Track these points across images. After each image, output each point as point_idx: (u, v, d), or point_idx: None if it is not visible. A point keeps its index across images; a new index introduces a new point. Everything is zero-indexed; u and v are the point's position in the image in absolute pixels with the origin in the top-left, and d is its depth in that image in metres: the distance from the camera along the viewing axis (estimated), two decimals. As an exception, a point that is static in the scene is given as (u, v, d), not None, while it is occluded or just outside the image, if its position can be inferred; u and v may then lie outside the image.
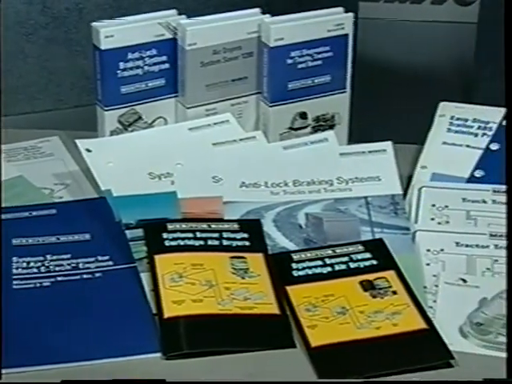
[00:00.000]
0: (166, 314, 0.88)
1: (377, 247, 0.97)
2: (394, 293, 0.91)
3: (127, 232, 0.97)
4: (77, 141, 1.09)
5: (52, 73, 2.17)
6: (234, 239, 0.97)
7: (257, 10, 1.12)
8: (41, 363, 0.83)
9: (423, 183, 1.06)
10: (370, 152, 1.08)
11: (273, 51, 1.09)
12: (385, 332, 0.87)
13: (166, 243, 0.96)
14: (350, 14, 1.11)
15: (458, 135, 1.12)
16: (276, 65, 1.10)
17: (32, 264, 0.94)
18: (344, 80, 1.13)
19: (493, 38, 2.19)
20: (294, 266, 0.95)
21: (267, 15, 1.11)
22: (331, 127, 1.15)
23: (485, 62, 2.21)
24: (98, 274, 0.93)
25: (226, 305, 0.89)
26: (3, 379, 0.83)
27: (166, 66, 1.11)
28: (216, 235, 0.97)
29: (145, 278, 0.92)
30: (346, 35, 1.11)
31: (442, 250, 0.97)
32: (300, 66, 1.11)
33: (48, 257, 0.95)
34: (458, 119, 1.14)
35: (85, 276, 0.93)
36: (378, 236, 0.99)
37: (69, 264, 0.94)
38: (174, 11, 1.11)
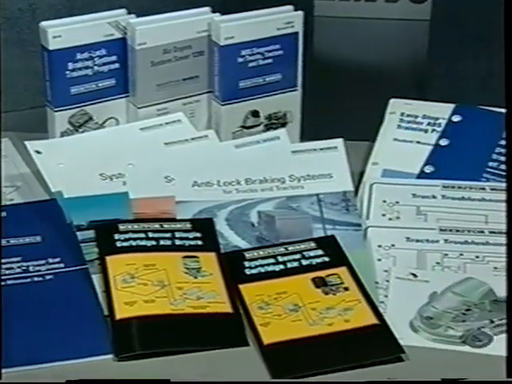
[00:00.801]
0: (118, 316, 0.87)
1: (329, 244, 0.97)
2: (346, 289, 0.92)
3: (78, 233, 0.96)
4: (26, 143, 1.07)
5: (5, 74, 2.14)
6: (187, 239, 0.97)
7: (207, 8, 1.12)
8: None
9: (374, 179, 1.07)
10: (321, 149, 1.09)
11: (223, 50, 1.09)
12: (337, 328, 0.87)
13: (118, 244, 0.95)
14: (300, 12, 1.11)
15: (408, 132, 1.14)
16: (227, 64, 1.10)
17: (-19, 268, 0.93)
18: (295, 78, 1.14)
19: (445, 35, 2.22)
20: (246, 264, 0.95)
21: (217, 14, 1.11)
22: (283, 125, 1.15)
23: (438, 59, 2.24)
24: (48, 277, 0.92)
25: (179, 305, 0.89)
26: (3, 379, 0.83)
27: (116, 65, 1.11)
28: (168, 235, 0.97)
29: (96, 279, 0.92)
30: (296, 33, 1.11)
31: (392, 245, 0.98)
32: (251, 64, 1.11)
33: (-2, 260, 0.94)
34: (408, 116, 1.15)
35: (36, 279, 0.92)
36: (329, 233, 0.99)
37: (19, 267, 0.93)
38: (123, 11, 1.11)
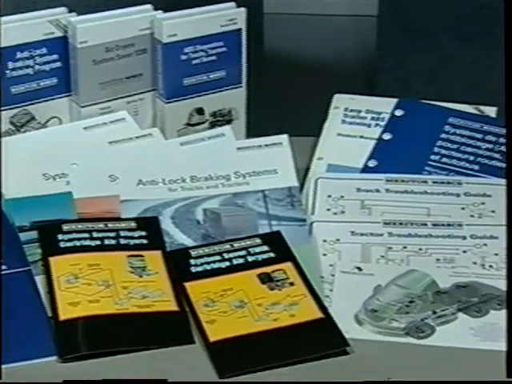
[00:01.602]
0: (62, 317, 0.86)
1: (274, 240, 0.98)
2: (292, 284, 0.92)
3: (21, 235, 0.95)
4: (-34, 143, 1.06)
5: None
6: (132, 238, 0.96)
7: (148, 6, 1.11)
8: None
9: (319, 175, 1.08)
10: (266, 145, 1.09)
11: (166, 47, 1.08)
12: (282, 323, 0.88)
13: (62, 244, 0.94)
14: (243, 9, 1.11)
15: (352, 126, 1.14)
16: (170, 61, 1.09)
17: None
18: (239, 75, 1.14)
19: (393, 30, 2.24)
20: (192, 262, 0.95)
21: (159, 11, 1.10)
22: (228, 122, 1.15)
23: (386, 54, 2.26)
24: (-9, 279, 0.92)
25: (124, 304, 0.88)
26: (3, 379, 0.82)
27: (58, 64, 1.09)
28: (113, 234, 0.96)
29: (40, 280, 0.91)
30: (240, 30, 1.11)
31: (338, 239, 0.99)
32: (194, 61, 1.11)
33: None
34: (351, 111, 1.16)
35: (-22, 281, 0.91)
36: (275, 229, 0.99)
37: (-39, 270, 0.92)
38: (63, 9, 1.10)
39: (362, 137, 1.13)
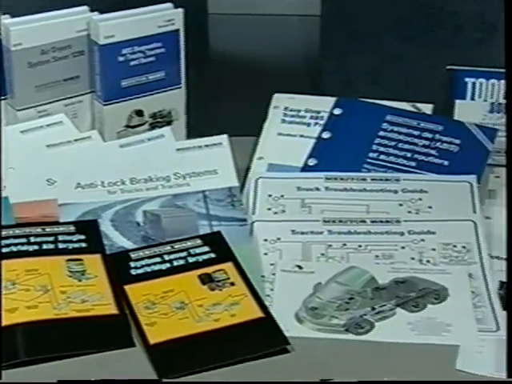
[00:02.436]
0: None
1: (215, 240, 0.98)
2: (232, 284, 0.92)
3: (-44, 241, 0.94)
4: None
5: None
6: (70, 242, 0.95)
7: (85, 7, 1.10)
8: None
9: (259, 174, 1.08)
10: (206, 146, 1.09)
11: (103, 49, 1.07)
12: (223, 323, 0.88)
13: (-2, 250, 0.93)
14: (180, 10, 1.11)
15: (291, 126, 1.15)
16: (107, 63, 1.08)
17: None
18: (178, 76, 1.14)
19: (335, 30, 2.26)
20: (132, 264, 0.94)
21: (96, 12, 1.09)
22: (169, 123, 1.15)
23: (329, 54, 2.28)
24: None
25: (62, 309, 0.87)
26: (3, 379, 0.81)
27: (-8, 67, 1.08)
28: (51, 239, 0.95)
29: (-24, 287, 0.90)
30: (177, 30, 1.11)
31: (278, 238, 1.00)
32: (132, 63, 1.10)
33: None
34: (291, 110, 1.16)
35: None
36: (216, 229, 0.99)
37: None
38: (-3, 11, 1.08)
39: (301, 136, 1.13)
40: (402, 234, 0.99)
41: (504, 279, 0.93)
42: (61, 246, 0.94)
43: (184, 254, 0.95)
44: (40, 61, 1.07)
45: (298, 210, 1.03)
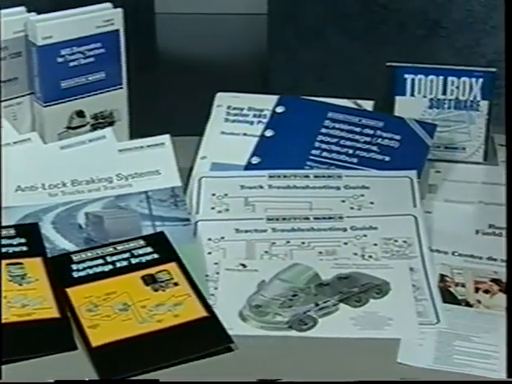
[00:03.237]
0: None
1: (158, 241, 0.97)
2: (176, 284, 0.92)
3: None
4: None
5: None
6: (11, 245, 0.94)
7: (22, 8, 1.09)
8: None
9: (203, 174, 1.08)
10: (148, 146, 1.08)
11: (41, 50, 1.06)
12: (167, 324, 0.87)
13: None
14: (119, 10, 1.10)
15: (235, 124, 1.15)
16: (46, 64, 1.07)
17: None
18: (119, 76, 1.13)
19: (282, 28, 2.27)
20: (74, 267, 0.93)
21: (33, 13, 1.08)
22: (111, 124, 1.14)
23: (277, 52, 2.29)
24: None
25: (3, 314, 0.86)
26: (3, 379, 0.80)
27: None
28: (-9, 243, 0.94)
29: None
30: (117, 31, 1.10)
31: (222, 237, 1.00)
32: (72, 63, 1.09)
33: None
34: (234, 109, 1.16)
35: None
36: (159, 229, 0.99)
37: None
38: None
39: (244, 134, 1.13)
40: (345, 230, 1.00)
41: (444, 272, 0.94)
42: (1, 250, 0.93)
43: (127, 255, 0.95)
44: (-24, 63, 1.06)
45: (241, 209, 1.03)
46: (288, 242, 0.99)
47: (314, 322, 0.89)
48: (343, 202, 1.03)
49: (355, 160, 1.08)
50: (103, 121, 1.13)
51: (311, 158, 1.09)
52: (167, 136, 1.09)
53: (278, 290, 0.93)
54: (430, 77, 1.12)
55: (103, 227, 0.99)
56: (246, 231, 1.00)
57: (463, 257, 0.96)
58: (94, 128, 1.13)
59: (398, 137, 1.10)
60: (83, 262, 0.94)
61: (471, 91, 1.11)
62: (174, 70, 2.32)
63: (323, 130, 1.11)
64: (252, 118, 1.15)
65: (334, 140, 1.10)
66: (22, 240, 0.94)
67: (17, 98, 1.09)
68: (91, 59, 1.09)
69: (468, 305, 0.90)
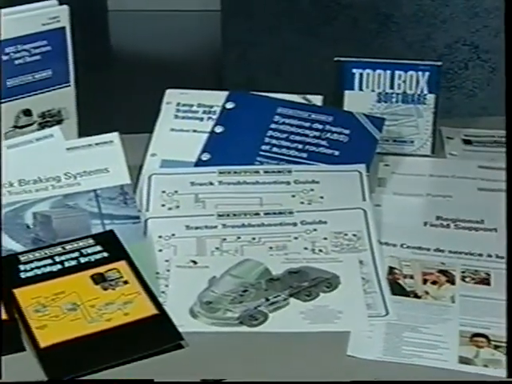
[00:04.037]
0: None
1: (107, 239, 0.96)
2: (126, 283, 0.91)
3: None
4: None
5: None
6: (-44, 247, 0.93)
7: (-35, 6, 1.07)
8: None
9: (153, 171, 1.08)
10: (97, 144, 1.07)
11: (-15, 48, 1.05)
12: (116, 323, 0.87)
13: None
14: (65, 7, 1.09)
15: (184, 121, 1.14)
16: (-9, 62, 1.06)
17: None
18: (67, 74, 1.11)
19: (236, 25, 2.27)
20: (21, 267, 0.92)
21: (-24, 11, 1.07)
22: (59, 122, 1.13)
23: (230, 48, 2.28)
24: None
25: None
26: (3, 379, 0.79)
27: None
28: None
29: None
30: (63, 28, 1.09)
31: (173, 234, 0.99)
32: (17, 62, 1.07)
33: None
34: (183, 105, 1.16)
35: None
36: (108, 228, 0.98)
37: None
38: None
39: (194, 131, 1.13)
40: (295, 224, 1.00)
41: (393, 265, 0.95)
42: None
43: (76, 254, 0.94)
44: None
45: (191, 205, 1.03)
46: (239, 237, 0.99)
47: (265, 317, 0.89)
48: (293, 196, 1.03)
49: (305, 155, 1.09)
50: (51, 119, 1.12)
51: (261, 153, 1.09)
52: (116, 134, 1.08)
53: (228, 286, 0.93)
54: (378, 71, 1.12)
55: (51, 227, 0.98)
56: (197, 228, 1.00)
57: (411, 249, 0.97)
58: (42, 127, 1.11)
59: (346, 131, 1.10)
60: (31, 262, 0.92)
61: (418, 85, 1.12)
62: (127, 68, 2.30)
63: (273, 126, 1.11)
64: (202, 114, 1.14)
65: (284, 135, 1.11)
66: (-32, 241, 0.94)
67: (-39, 97, 1.08)
68: (37, 57, 1.08)
69: (416, 296, 0.91)
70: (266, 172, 1.06)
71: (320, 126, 1.11)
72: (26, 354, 0.84)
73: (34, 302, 0.88)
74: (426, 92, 1.12)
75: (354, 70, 1.13)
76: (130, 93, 2.10)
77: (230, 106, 1.14)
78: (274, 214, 1.01)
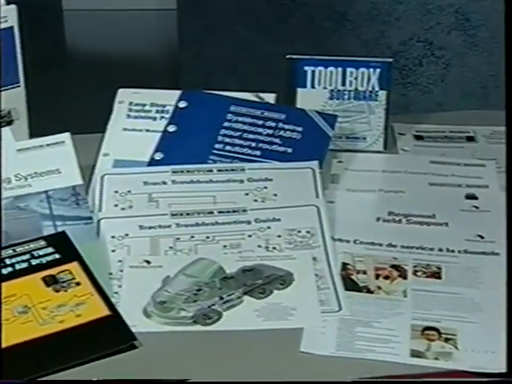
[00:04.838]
0: None
1: (59, 241, 0.95)
2: (78, 284, 0.90)
3: None
4: None
5: None
6: None
7: None
8: None
9: (105, 171, 1.07)
10: (48, 145, 1.06)
11: None
12: (68, 324, 0.86)
13: None
14: (13, 6, 1.07)
15: (137, 120, 1.14)
16: None
17: None
18: (16, 74, 1.10)
19: (192, 24, 2.26)
20: (-29, 271, 0.92)
21: None
22: (9, 123, 1.11)
23: (186, 47, 2.27)
24: None
25: None
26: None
27: None
28: None
29: None
30: (12, 28, 1.07)
31: (126, 234, 0.99)
32: (-35, 62, 1.06)
33: None
34: (136, 105, 1.15)
35: None
36: (60, 229, 0.97)
37: None
38: None
39: (147, 130, 1.12)
40: (249, 222, 1.00)
41: (346, 260, 0.95)
42: None
43: (27, 256, 0.93)
44: None
45: (145, 205, 1.02)
46: (192, 236, 0.98)
47: (219, 316, 0.89)
48: (247, 194, 1.03)
49: (258, 153, 1.09)
50: (1, 120, 1.10)
51: (214, 152, 1.09)
52: (67, 134, 1.07)
53: (182, 285, 0.92)
54: (330, 68, 1.13)
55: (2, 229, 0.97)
56: (150, 227, 1.00)
57: (364, 244, 0.97)
58: (-8, 128, 1.10)
59: (299, 128, 1.11)
60: (-19, 265, 0.92)
61: (369, 82, 1.13)
62: (82, 68, 2.28)
63: (226, 124, 1.11)
64: (155, 113, 1.14)
65: (237, 133, 1.10)
66: None
67: None
68: (-15, 57, 1.07)
69: (369, 291, 0.92)
70: (219, 170, 1.06)
71: (273, 124, 1.11)
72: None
73: (-16, 305, 0.87)
74: (377, 89, 1.13)
75: (306, 68, 1.13)
76: (83, 92, 2.08)
77: (182, 105, 1.14)
78: (228, 212, 1.01)
